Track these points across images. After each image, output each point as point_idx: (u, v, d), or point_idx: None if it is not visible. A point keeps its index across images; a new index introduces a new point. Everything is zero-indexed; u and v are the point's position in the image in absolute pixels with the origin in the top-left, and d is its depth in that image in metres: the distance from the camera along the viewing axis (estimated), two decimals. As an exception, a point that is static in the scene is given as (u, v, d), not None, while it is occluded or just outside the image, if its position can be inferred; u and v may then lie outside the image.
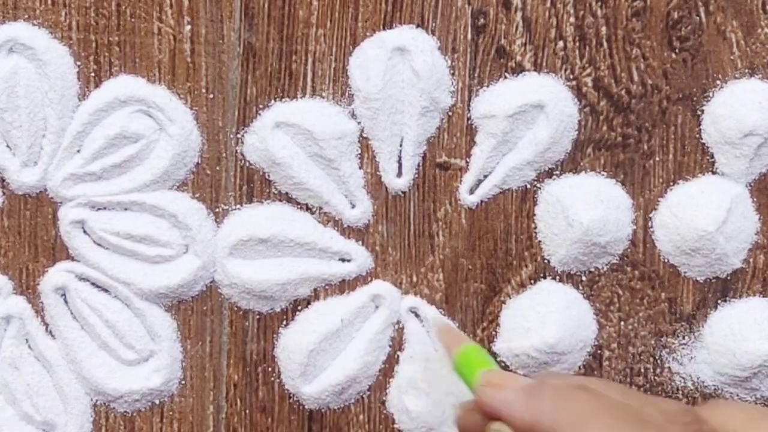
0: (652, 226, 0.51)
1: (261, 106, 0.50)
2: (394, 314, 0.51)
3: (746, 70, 0.50)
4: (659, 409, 0.39)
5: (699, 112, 0.50)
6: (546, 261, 0.51)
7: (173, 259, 0.50)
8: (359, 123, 0.50)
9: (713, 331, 0.50)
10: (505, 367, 0.50)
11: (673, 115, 0.50)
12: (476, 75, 0.50)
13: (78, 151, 0.50)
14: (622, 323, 0.51)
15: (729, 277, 0.51)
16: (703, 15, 0.50)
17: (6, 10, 0.50)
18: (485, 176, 0.51)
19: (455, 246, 0.50)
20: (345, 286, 0.51)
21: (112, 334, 0.50)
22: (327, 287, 0.50)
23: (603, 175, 0.51)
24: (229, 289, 0.50)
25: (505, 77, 0.50)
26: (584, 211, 0.49)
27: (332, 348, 0.50)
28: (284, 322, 0.51)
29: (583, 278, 0.51)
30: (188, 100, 0.50)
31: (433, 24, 0.50)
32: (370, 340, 0.50)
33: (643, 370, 0.51)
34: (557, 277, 0.51)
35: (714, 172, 0.51)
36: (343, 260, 0.51)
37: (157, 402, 0.50)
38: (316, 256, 0.50)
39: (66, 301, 0.50)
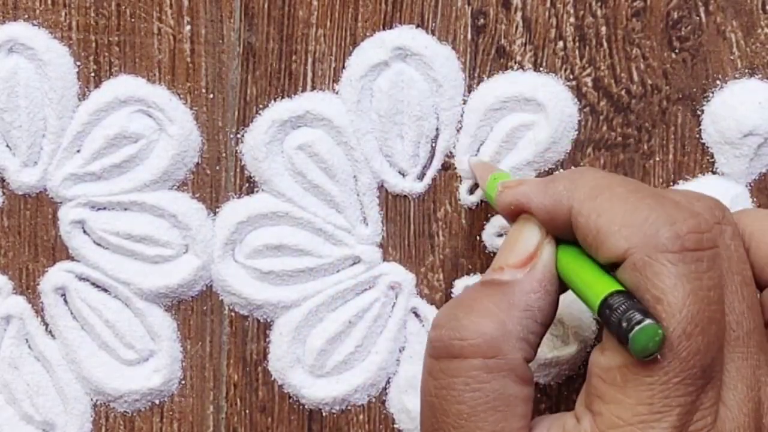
0: (652, 226, 0.51)
1: (261, 106, 0.50)
2: (408, 304, 0.50)
3: (746, 70, 0.50)
4: (685, 195, 0.40)
5: (699, 112, 0.50)
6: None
7: (173, 259, 0.50)
8: (359, 123, 0.51)
9: (713, 331, 0.50)
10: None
11: (673, 115, 0.50)
12: (476, 75, 0.50)
13: (78, 151, 0.50)
14: (622, 323, 0.51)
15: (729, 277, 0.51)
16: (703, 15, 0.50)
17: (6, 10, 0.50)
18: (485, 176, 0.51)
19: (455, 246, 0.50)
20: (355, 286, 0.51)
21: (112, 334, 0.50)
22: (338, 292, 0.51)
23: (603, 175, 0.51)
24: (228, 298, 0.50)
25: (505, 77, 0.50)
26: None
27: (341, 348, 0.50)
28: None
29: (583, 278, 0.51)
30: (188, 100, 0.50)
31: (433, 24, 0.50)
32: (393, 334, 0.50)
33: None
34: (557, 277, 0.51)
35: (714, 172, 0.51)
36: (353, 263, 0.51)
37: (157, 402, 0.50)
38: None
39: (66, 301, 0.50)
